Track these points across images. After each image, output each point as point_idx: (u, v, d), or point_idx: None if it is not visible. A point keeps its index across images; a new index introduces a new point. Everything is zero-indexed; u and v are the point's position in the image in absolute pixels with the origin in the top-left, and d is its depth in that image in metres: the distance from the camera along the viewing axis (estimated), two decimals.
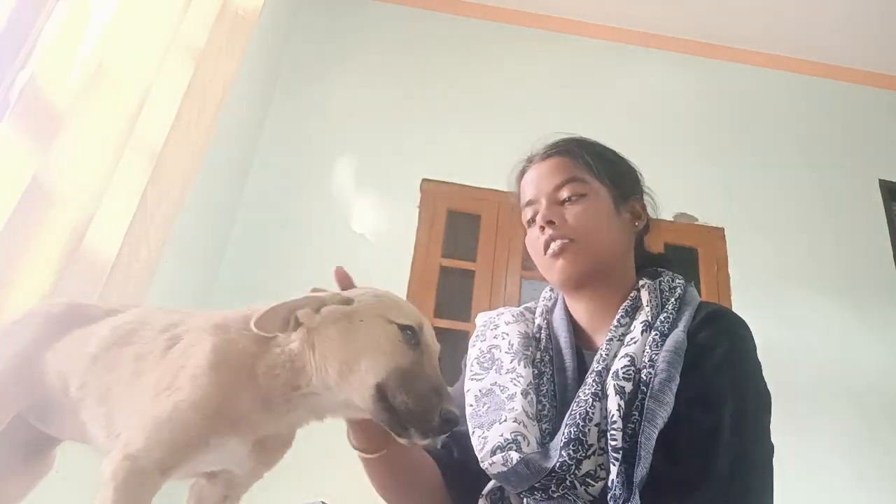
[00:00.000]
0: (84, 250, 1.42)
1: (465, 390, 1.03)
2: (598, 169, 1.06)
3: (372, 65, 3.22)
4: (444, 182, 2.94)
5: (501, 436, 0.90)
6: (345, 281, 0.84)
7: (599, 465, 0.85)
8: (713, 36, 3.44)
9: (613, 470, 0.83)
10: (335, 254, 2.68)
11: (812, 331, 2.83)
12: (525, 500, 0.90)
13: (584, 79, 3.32)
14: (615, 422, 0.85)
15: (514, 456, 0.87)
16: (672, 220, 2.94)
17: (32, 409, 0.85)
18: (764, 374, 0.93)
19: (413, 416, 0.68)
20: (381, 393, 0.69)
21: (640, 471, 0.82)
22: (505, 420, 0.92)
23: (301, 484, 2.10)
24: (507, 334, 1.07)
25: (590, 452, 0.86)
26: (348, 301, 0.74)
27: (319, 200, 2.87)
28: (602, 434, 0.87)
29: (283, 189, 2.87)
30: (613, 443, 0.84)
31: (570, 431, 0.87)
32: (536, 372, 1.00)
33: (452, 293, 2.76)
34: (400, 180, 2.93)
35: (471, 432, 0.96)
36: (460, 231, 2.89)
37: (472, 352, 1.09)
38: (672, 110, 3.29)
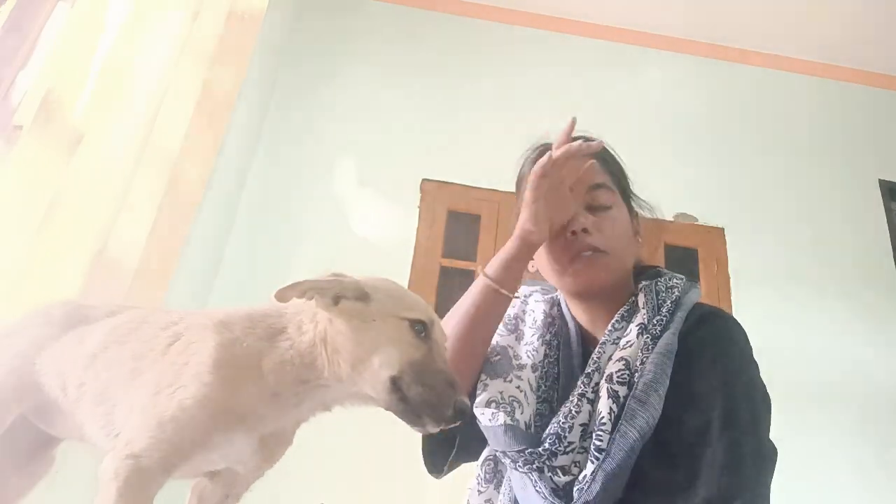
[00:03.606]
0: (108, 256, 1.44)
1: None
2: (618, 181, 1.08)
3: (372, 65, 3.21)
4: (444, 182, 2.94)
5: (500, 392, 0.93)
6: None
7: (575, 462, 0.87)
8: (713, 36, 3.44)
9: (590, 467, 0.84)
10: (335, 254, 2.68)
11: (812, 330, 2.83)
12: (508, 468, 0.93)
13: (584, 79, 3.32)
14: (604, 424, 0.86)
15: (501, 419, 0.90)
16: (672, 220, 2.94)
17: (33, 409, 0.85)
18: (763, 373, 0.93)
19: (428, 407, 0.70)
20: (396, 385, 0.71)
21: (608, 465, 0.83)
22: (510, 381, 0.96)
23: (301, 484, 2.10)
24: (534, 311, 1.09)
25: (568, 449, 0.87)
26: (365, 297, 0.75)
27: (320, 200, 2.87)
28: (588, 434, 0.88)
29: (283, 189, 2.87)
30: (598, 443, 0.85)
31: (553, 427, 0.89)
32: (544, 352, 1.02)
33: (452, 293, 2.74)
34: (400, 180, 2.93)
35: (480, 373, 0.99)
36: (460, 231, 2.89)
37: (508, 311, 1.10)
38: (672, 110, 3.29)
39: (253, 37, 2.15)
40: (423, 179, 2.93)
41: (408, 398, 0.70)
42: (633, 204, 1.11)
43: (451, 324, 1.00)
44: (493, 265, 1.00)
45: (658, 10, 3.34)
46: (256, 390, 0.72)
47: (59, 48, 1.41)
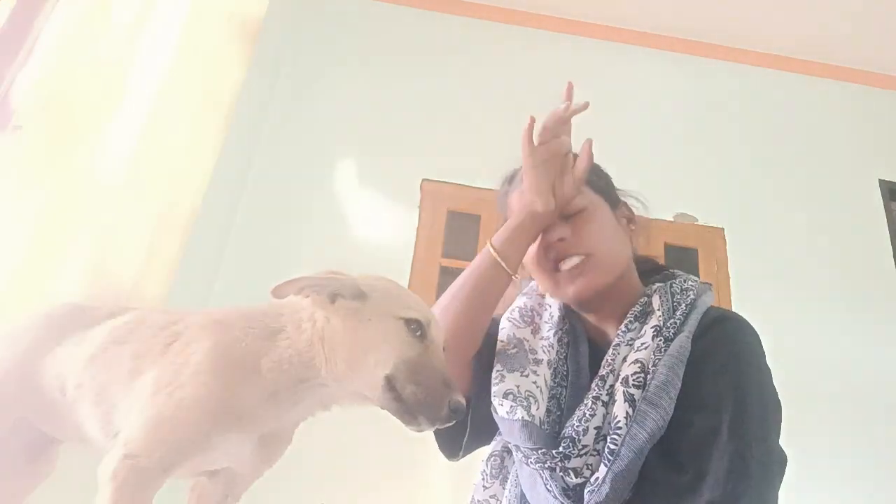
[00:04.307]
0: (109, 256, 1.44)
1: (501, 328, 1.06)
2: (593, 181, 1.06)
3: (372, 65, 3.21)
4: (444, 182, 2.94)
5: (517, 386, 0.93)
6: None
7: (587, 465, 0.86)
8: (713, 36, 3.43)
9: (602, 470, 0.84)
10: (336, 254, 2.68)
11: (812, 331, 2.83)
12: (515, 459, 0.93)
13: (583, 79, 3.28)
14: (620, 427, 0.85)
15: (519, 413, 0.90)
16: (672, 220, 2.94)
17: (34, 410, 0.85)
18: None
19: (423, 406, 0.70)
20: (391, 384, 0.71)
21: (617, 466, 0.83)
22: (526, 375, 0.95)
23: (301, 484, 2.10)
24: (550, 305, 1.08)
25: (582, 452, 0.87)
26: (361, 295, 0.75)
27: (320, 201, 2.87)
28: (602, 437, 0.87)
29: (283, 189, 2.86)
30: (612, 446, 0.84)
31: (567, 431, 0.89)
32: (558, 349, 1.01)
33: None
34: (400, 180, 2.93)
35: (494, 363, 0.99)
36: (460, 231, 2.89)
37: (520, 300, 1.10)
38: (672, 110, 3.29)
39: (254, 37, 2.15)
40: (423, 179, 2.93)
41: (402, 397, 0.70)
42: (620, 196, 1.09)
43: (448, 297, 1.00)
44: (500, 236, 0.99)
45: (658, 9, 3.34)
46: (255, 390, 0.72)
47: (60, 48, 1.41)
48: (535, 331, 1.04)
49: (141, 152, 1.55)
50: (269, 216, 2.79)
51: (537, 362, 0.98)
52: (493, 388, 0.95)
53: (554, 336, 1.01)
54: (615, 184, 1.13)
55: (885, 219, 3.13)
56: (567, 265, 0.99)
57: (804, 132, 3.34)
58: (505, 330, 1.05)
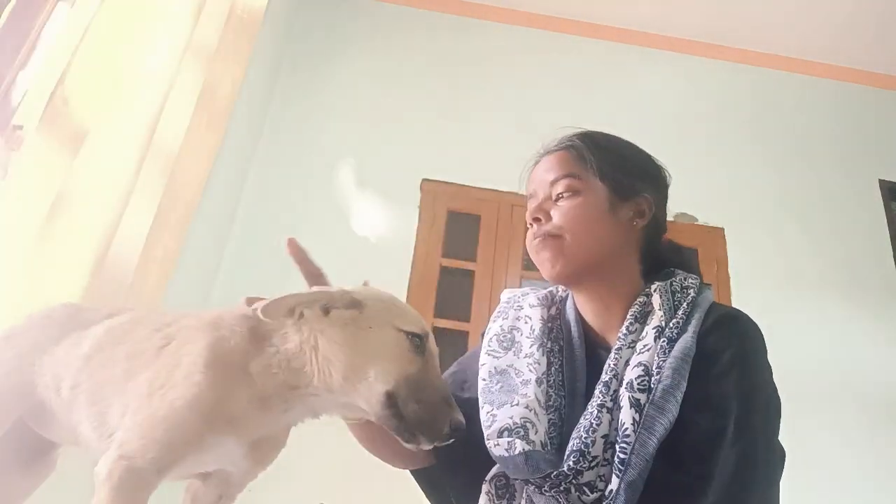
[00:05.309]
0: (110, 257, 1.44)
1: (481, 364, 1.02)
2: (597, 165, 1.03)
3: (372, 65, 3.21)
4: (444, 182, 2.94)
5: (511, 419, 0.90)
6: (298, 254, 0.86)
7: (600, 476, 0.85)
8: (713, 36, 3.43)
9: (615, 481, 0.82)
10: (335, 254, 2.66)
11: (812, 330, 2.82)
12: (526, 488, 0.90)
13: (584, 79, 3.32)
14: (628, 435, 0.83)
15: (519, 446, 0.87)
16: (672, 220, 2.93)
17: (31, 412, 0.85)
18: None
19: (423, 425, 0.69)
20: (392, 401, 0.69)
21: (629, 476, 0.81)
22: (517, 404, 0.92)
23: (300, 485, 2.10)
24: (530, 318, 1.05)
25: (593, 464, 0.85)
26: (356, 304, 0.73)
27: (320, 201, 2.86)
28: (609, 446, 0.85)
29: (283, 189, 2.86)
30: (622, 455, 0.83)
31: (574, 444, 0.86)
32: (547, 361, 0.99)
33: (452, 293, 2.75)
34: (400, 180, 2.93)
35: (480, 406, 0.96)
36: (460, 231, 2.89)
37: (493, 327, 1.08)
38: (672, 110, 3.28)
39: (252, 37, 2.16)
40: (423, 179, 2.93)
41: (403, 415, 0.69)
42: (635, 185, 1.05)
43: None
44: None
45: (659, 10, 3.33)
46: (245, 394, 0.72)
47: (60, 48, 1.41)
48: (518, 351, 1.02)
49: (141, 152, 1.55)
50: (268, 216, 2.78)
51: (526, 383, 0.95)
52: (487, 432, 0.92)
53: (539, 350, 0.99)
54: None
55: (885, 219, 3.13)
56: (534, 243, 1.02)
57: (804, 132, 3.33)
58: (486, 366, 1.01)
